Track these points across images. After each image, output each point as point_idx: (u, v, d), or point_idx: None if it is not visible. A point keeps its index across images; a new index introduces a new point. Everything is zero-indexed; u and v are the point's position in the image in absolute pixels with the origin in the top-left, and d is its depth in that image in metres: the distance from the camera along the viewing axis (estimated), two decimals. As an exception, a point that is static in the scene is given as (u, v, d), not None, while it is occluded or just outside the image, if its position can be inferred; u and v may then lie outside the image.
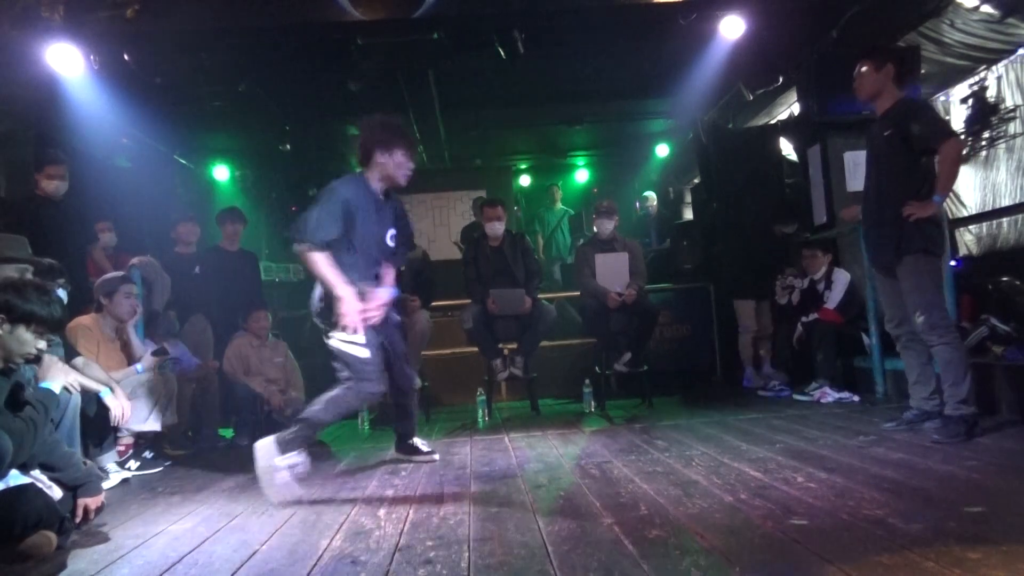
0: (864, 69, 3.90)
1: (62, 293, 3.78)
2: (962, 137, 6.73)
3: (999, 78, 6.79)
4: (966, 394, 3.56)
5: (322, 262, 3.34)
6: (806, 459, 3.27)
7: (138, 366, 4.38)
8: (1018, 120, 6.70)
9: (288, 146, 8.84)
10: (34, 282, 2.85)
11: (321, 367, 6.29)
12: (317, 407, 3.35)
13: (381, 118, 3.62)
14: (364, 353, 3.37)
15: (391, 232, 3.70)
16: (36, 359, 2.79)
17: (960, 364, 3.61)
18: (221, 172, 9.89)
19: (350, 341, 3.37)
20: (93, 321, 4.34)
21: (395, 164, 3.56)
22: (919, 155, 3.72)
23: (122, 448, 4.19)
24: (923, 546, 1.98)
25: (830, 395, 5.27)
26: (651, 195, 9.95)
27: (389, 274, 3.73)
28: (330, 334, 3.42)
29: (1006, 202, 6.84)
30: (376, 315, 3.48)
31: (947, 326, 3.66)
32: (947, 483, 2.71)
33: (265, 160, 9.74)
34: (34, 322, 2.64)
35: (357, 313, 3.34)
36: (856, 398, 5.20)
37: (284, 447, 3.22)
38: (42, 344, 2.70)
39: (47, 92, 5.76)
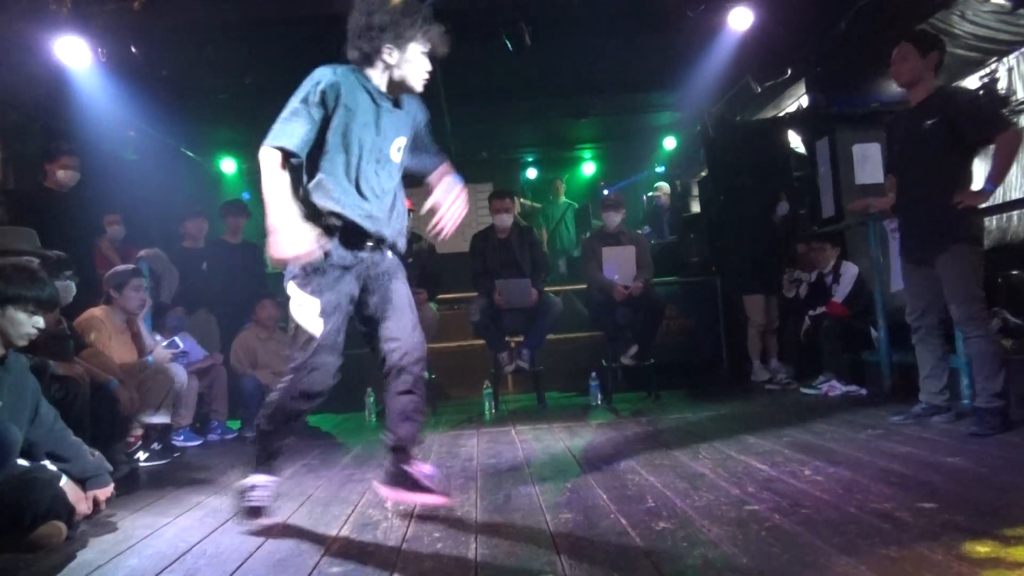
0: (907, 54, 3.70)
1: (70, 285, 3.81)
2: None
3: (1010, 70, 6.73)
4: (1001, 388, 3.51)
5: (275, 173, 2.46)
6: (813, 452, 3.27)
7: (148, 358, 4.40)
8: (1029, 112, 6.65)
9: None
10: (19, 264, 2.91)
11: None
12: (260, 415, 2.66)
13: (398, 1, 2.55)
14: (314, 326, 2.50)
15: (399, 142, 2.67)
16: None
17: (995, 358, 3.55)
18: (228, 165, 9.89)
19: (299, 305, 2.53)
20: (104, 313, 4.36)
21: (410, 65, 2.56)
22: (967, 145, 3.62)
23: (131, 439, 4.21)
24: (930, 540, 1.97)
25: (837, 389, 5.25)
26: (663, 185, 9.88)
27: (398, 199, 2.69)
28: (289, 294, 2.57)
29: (1016, 195, 6.79)
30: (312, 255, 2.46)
31: (985, 318, 3.59)
32: (955, 477, 2.70)
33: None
34: (22, 302, 2.67)
35: (292, 249, 2.40)
36: (863, 392, 5.19)
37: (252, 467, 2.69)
38: (38, 321, 2.73)
39: (55, 84, 5.78)
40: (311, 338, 2.51)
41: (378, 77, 2.60)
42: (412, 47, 2.54)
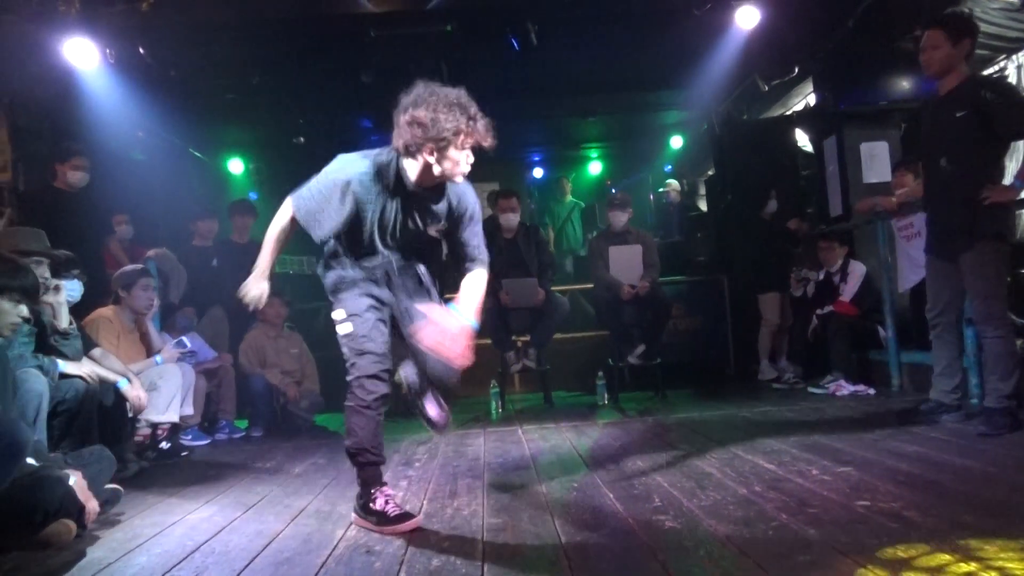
0: (938, 42, 3.50)
1: (78, 285, 3.83)
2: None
3: (1019, 67, 6.70)
4: (1012, 390, 3.46)
5: (277, 223, 2.73)
6: (821, 452, 3.26)
7: (157, 357, 4.42)
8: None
9: (302, 139, 8.87)
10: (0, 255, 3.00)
11: (337, 359, 6.36)
12: (347, 443, 2.65)
13: (443, 97, 2.49)
14: (344, 328, 2.63)
15: (431, 227, 2.70)
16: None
17: (1011, 359, 3.49)
18: (236, 165, 9.93)
19: (335, 321, 2.68)
20: (113, 313, 4.39)
21: (450, 162, 2.50)
22: (998, 137, 3.50)
23: (139, 438, 4.23)
24: (939, 539, 1.97)
25: (845, 388, 5.23)
26: (673, 182, 9.86)
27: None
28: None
29: (1024, 193, 6.75)
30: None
31: (1004, 318, 3.51)
32: (964, 476, 2.69)
33: (279, 153, 9.76)
34: (7, 291, 2.75)
35: (247, 291, 2.82)
36: (871, 391, 5.17)
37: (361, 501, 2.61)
38: (23, 311, 2.81)
39: (64, 86, 5.81)
40: (346, 336, 2.63)
41: (414, 168, 2.56)
42: (453, 149, 2.48)
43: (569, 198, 10.33)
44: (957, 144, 3.55)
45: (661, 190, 10.01)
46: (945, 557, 1.83)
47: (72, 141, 5.30)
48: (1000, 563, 1.77)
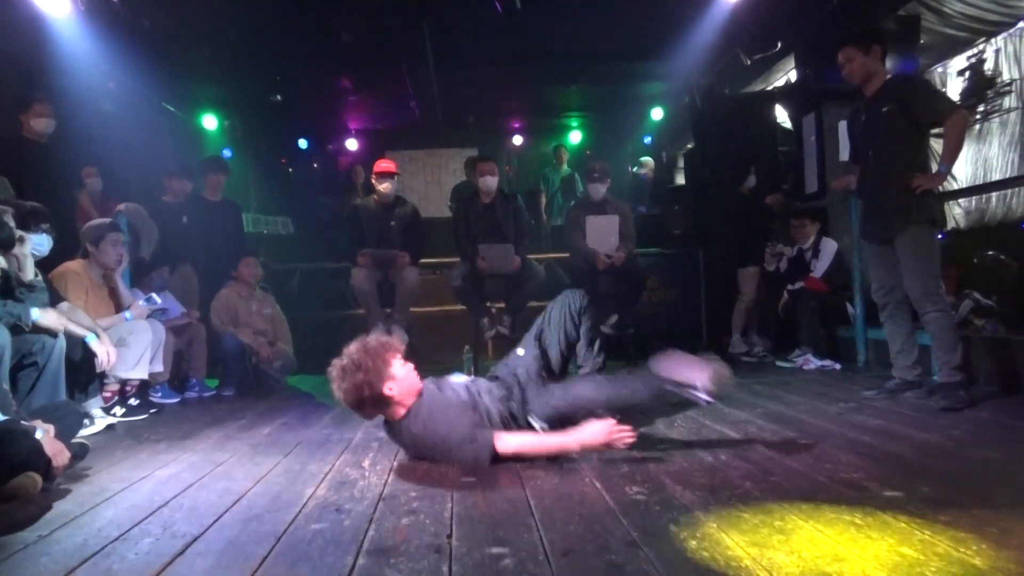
0: (851, 55, 3.91)
1: (47, 239, 3.75)
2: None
3: (997, 51, 6.76)
4: (959, 360, 3.68)
5: None
6: (786, 423, 3.33)
7: (126, 313, 4.37)
8: (1013, 94, 6.68)
9: (279, 97, 8.71)
10: None
11: (309, 320, 6.34)
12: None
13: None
14: None
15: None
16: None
17: (952, 332, 3.74)
18: (210, 121, 9.74)
19: None
20: (81, 267, 4.31)
21: None
22: (921, 128, 3.78)
23: (107, 394, 4.19)
24: (896, 508, 2.03)
25: (812, 362, 5.33)
26: (648, 160, 9.90)
27: None
28: None
29: (996, 176, 6.86)
30: None
31: (941, 295, 3.74)
32: (923, 450, 2.77)
33: (255, 110, 9.60)
34: None
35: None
36: (838, 366, 5.27)
37: None
38: (1, 262, 2.88)
39: (33, 32, 5.63)
40: None
41: None
42: None
43: (565, 167, 10.28)
44: (886, 137, 3.84)
45: (639, 169, 10.01)
46: (901, 525, 1.89)
47: (33, 89, 5.13)
48: (953, 531, 1.83)
